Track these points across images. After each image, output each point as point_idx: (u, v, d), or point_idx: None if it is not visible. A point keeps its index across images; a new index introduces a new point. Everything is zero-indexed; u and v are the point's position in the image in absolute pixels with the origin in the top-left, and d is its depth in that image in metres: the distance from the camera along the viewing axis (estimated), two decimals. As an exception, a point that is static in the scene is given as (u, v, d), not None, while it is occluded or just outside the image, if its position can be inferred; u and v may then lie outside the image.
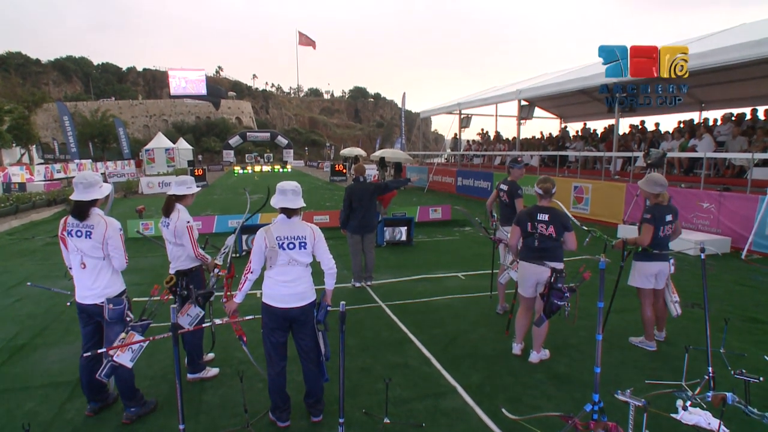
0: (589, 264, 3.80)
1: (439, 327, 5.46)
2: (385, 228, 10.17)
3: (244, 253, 9.01)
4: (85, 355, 3.56)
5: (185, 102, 74.99)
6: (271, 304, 3.42)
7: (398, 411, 3.70)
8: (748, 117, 11.95)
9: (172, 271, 4.17)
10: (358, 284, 7.11)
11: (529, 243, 4.48)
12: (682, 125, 13.55)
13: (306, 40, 78.91)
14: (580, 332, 5.18)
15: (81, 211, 3.48)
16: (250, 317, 3.61)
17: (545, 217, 4.38)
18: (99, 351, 3.41)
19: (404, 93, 30.44)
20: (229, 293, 3.81)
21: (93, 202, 3.52)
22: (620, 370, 4.37)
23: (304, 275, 3.46)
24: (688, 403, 3.39)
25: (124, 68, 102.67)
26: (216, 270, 4.16)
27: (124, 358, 3.33)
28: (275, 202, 3.49)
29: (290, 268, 3.40)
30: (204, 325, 3.93)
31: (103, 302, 3.49)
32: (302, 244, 3.42)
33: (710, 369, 3.65)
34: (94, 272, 3.51)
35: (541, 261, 4.37)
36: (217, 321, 3.82)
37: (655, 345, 4.83)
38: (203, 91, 64.13)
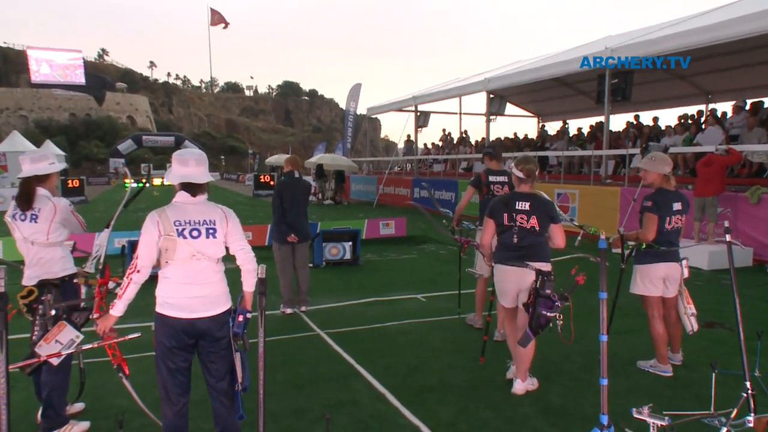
0: (584, 265, 3.75)
1: (395, 356, 5.37)
2: (324, 244, 9.96)
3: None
4: None
5: (54, 93, 71.00)
6: (170, 315, 3.11)
7: (343, 460, 3.48)
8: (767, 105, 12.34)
9: (31, 283, 3.82)
10: (289, 310, 6.87)
11: (507, 240, 4.41)
12: (690, 121, 13.79)
13: (219, 18, 78.47)
14: (575, 357, 5.14)
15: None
16: (136, 335, 3.30)
17: (525, 205, 4.34)
18: None
19: (360, 84, 30.17)
20: (101, 306, 3.48)
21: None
22: (628, 400, 4.29)
23: (215, 274, 3.20)
24: (724, 430, 3.36)
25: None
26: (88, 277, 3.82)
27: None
28: (172, 176, 3.23)
29: (195, 263, 3.13)
30: (68, 351, 3.55)
31: None
32: (210, 230, 3.17)
33: (748, 384, 3.63)
34: None
35: (523, 262, 4.30)
36: (86, 346, 3.48)
37: (671, 369, 4.84)
38: (81, 80, 61.76)
